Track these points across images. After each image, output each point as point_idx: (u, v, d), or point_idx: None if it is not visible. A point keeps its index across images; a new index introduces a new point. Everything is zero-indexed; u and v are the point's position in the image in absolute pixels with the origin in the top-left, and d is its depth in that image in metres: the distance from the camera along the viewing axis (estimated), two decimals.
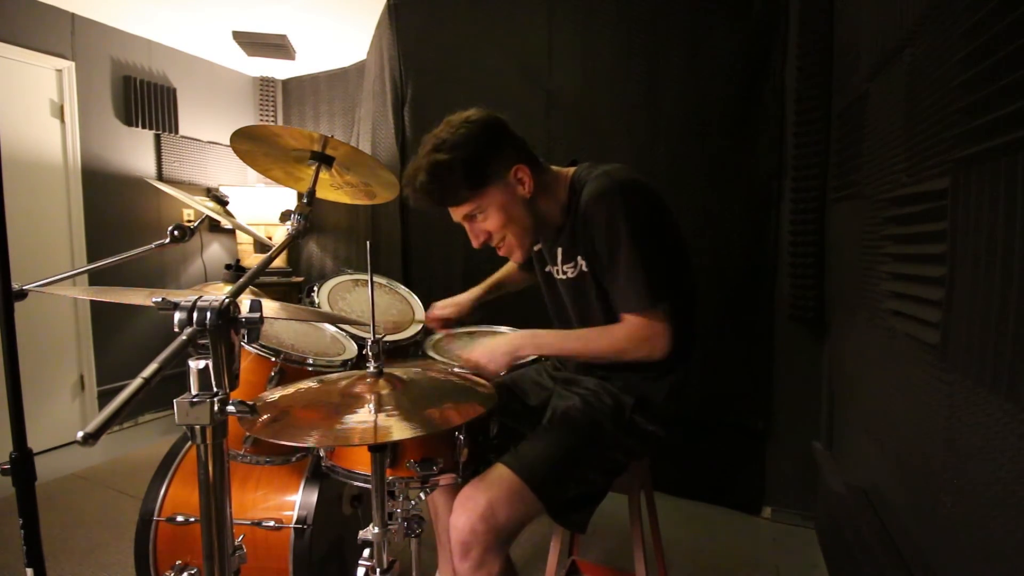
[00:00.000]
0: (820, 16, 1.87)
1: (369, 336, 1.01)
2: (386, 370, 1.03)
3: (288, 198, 3.45)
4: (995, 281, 0.73)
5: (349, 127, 3.69)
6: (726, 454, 2.24)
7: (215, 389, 0.64)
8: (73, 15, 2.87)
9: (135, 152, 3.20)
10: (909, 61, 1.08)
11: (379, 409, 0.90)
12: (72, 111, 2.87)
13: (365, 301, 1.80)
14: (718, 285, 2.16)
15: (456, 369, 1.30)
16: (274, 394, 1.01)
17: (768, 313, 2.11)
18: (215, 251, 3.64)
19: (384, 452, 0.96)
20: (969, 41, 0.80)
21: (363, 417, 0.88)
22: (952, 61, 0.86)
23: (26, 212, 2.71)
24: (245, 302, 0.68)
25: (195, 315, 0.63)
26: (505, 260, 1.44)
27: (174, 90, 3.35)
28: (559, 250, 1.24)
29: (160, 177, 3.30)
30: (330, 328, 1.65)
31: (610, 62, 2.33)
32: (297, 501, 1.37)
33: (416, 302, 1.92)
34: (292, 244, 0.95)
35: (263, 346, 1.31)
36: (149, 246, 1.26)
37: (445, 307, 1.56)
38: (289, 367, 1.34)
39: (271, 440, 0.85)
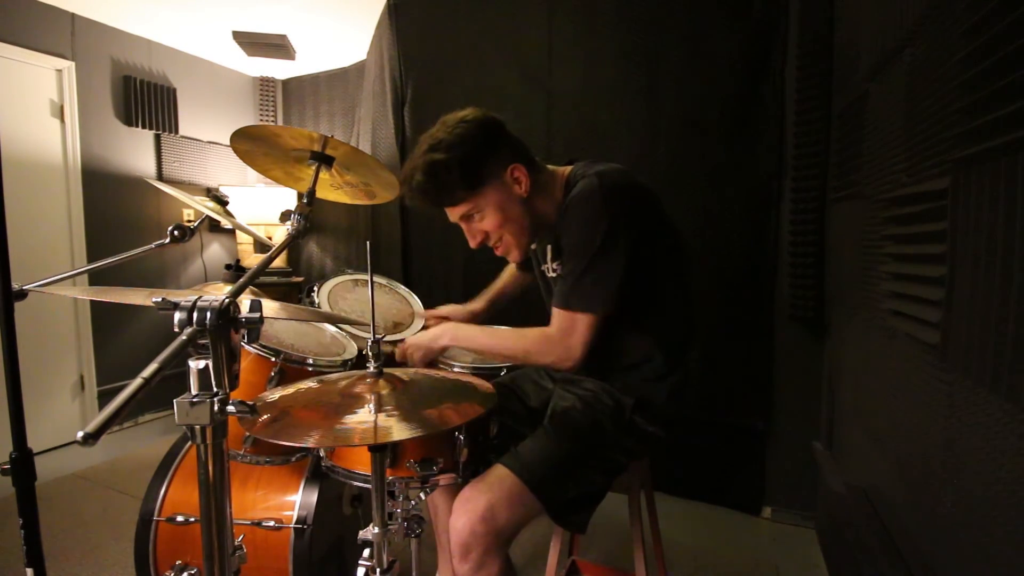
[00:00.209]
0: (820, 16, 1.87)
1: (369, 336, 1.01)
2: (386, 370, 1.03)
3: (288, 198, 3.45)
4: (995, 281, 0.73)
5: (349, 127, 3.69)
6: (726, 454, 2.24)
7: (215, 389, 0.64)
8: (73, 15, 2.87)
9: (135, 152, 3.20)
10: (909, 61, 1.08)
11: (379, 409, 0.90)
12: (72, 111, 2.87)
13: (365, 301, 1.80)
14: (718, 285, 2.16)
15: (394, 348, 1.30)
16: (274, 394, 1.01)
17: (768, 313, 2.11)
18: (215, 251, 3.64)
19: (384, 452, 0.96)
20: (969, 41, 0.80)
21: (363, 417, 0.88)
22: (952, 61, 0.86)
23: (26, 212, 2.71)
24: (245, 302, 0.68)
25: (195, 315, 0.63)
26: (505, 261, 1.44)
27: (174, 90, 3.35)
28: (549, 248, 1.24)
29: (160, 177, 3.30)
30: (330, 328, 1.65)
31: (610, 62, 2.33)
32: (297, 501, 1.37)
33: (416, 302, 1.92)
34: (292, 244, 0.95)
35: (263, 346, 1.31)
36: (149, 246, 1.26)
37: (442, 311, 1.55)
38: (289, 367, 1.34)
39: (271, 440, 0.85)
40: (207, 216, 1.37)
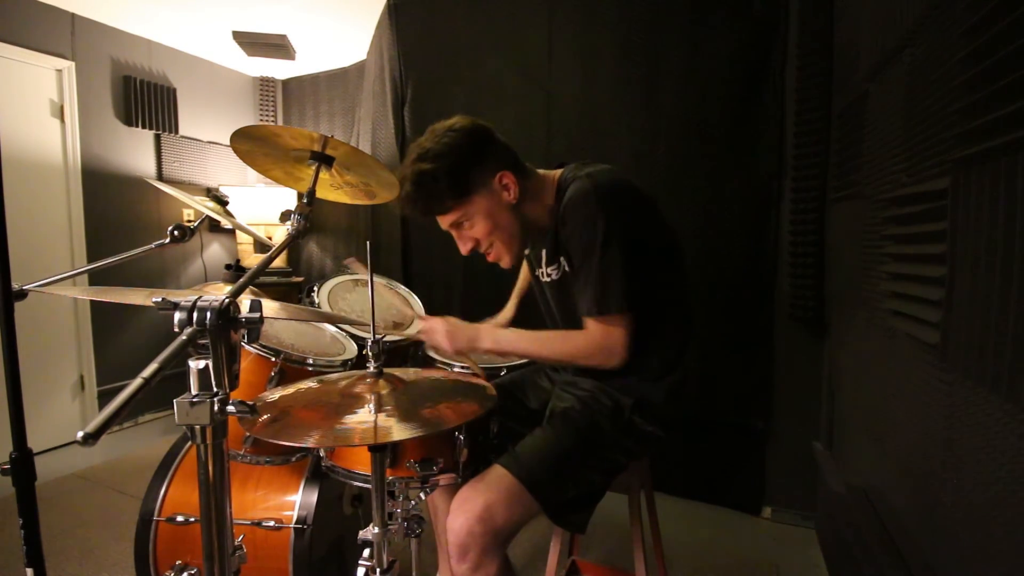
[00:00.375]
0: (820, 16, 1.87)
1: (369, 336, 1.01)
2: (386, 370, 1.03)
3: (288, 198, 3.45)
4: (995, 281, 0.73)
5: (349, 127, 3.69)
6: (726, 454, 2.24)
7: (215, 389, 0.64)
8: (73, 15, 2.87)
9: (135, 152, 3.20)
10: (909, 61, 1.08)
11: (379, 409, 0.90)
12: (72, 111, 2.87)
13: (365, 301, 1.80)
14: (718, 285, 2.16)
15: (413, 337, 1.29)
16: (274, 394, 1.01)
17: (768, 313, 2.11)
18: (215, 251, 3.64)
19: (384, 452, 0.96)
20: (969, 41, 0.80)
21: (363, 417, 0.88)
22: (952, 61, 0.86)
23: (26, 212, 2.71)
24: (245, 302, 0.68)
25: (195, 315, 0.63)
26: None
27: (174, 90, 3.35)
28: (544, 252, 1.25)
29: (160, 177, 3.30)
30: (330, 328, 1.65)
31: (610, 62, 2.33)
32: (297, 501, 1.37)
33: (416, 302, 1.92)
34: (292, 244, 0.95)
35: (263, 346, 1.32)
36: (149, 246, 1.26)
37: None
38: (289, 367, 1.34)
39: (271, 440, 0.85)
40: (207, 216, 1.37)
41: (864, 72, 1.42)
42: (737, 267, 2.15)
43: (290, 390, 1.03)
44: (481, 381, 1.14)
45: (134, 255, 1.24)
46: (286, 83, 3.99)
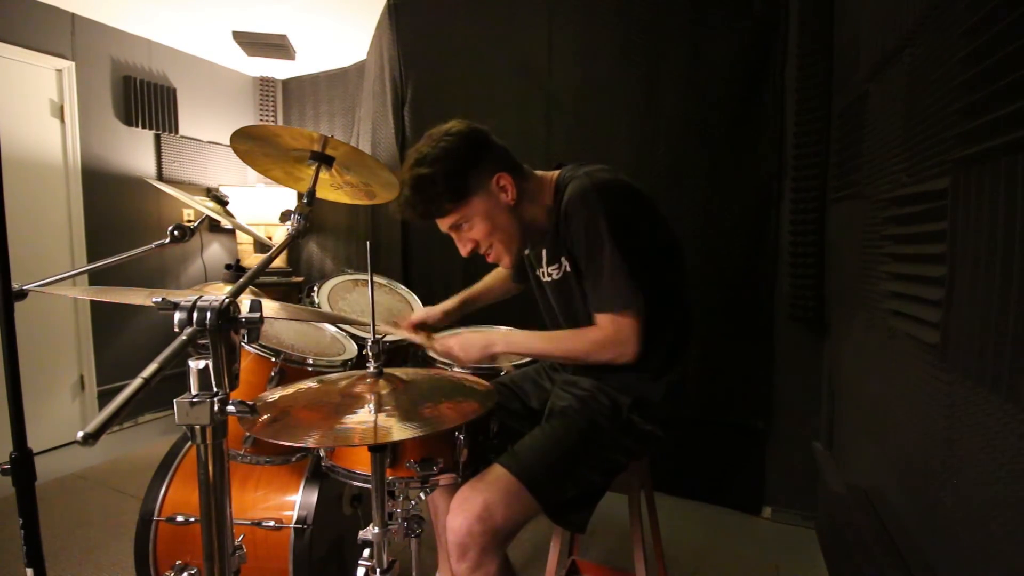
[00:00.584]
0: (820, 16, 1.87)
1: (369, 336, 1.01)
2: (386, 370, 1.03)
3: (288, 198, 3.45)
4: (995, 281, 0.73)
5: (349, 127, 3.69)
6: (726, 454, 2.24)
7: (215, 389, 0.64)
8: (73, 15, 2.87)
9: (135, 152, 3.20)
10: (909, 61, 1.08)
11: (379, 409, 0.90)
12: (72, 111, 2.87)
13: (365, 301, 1.80)
14: (718, 285, 2.16)
15: (436, 357, 1.30)
16: (274, 394, 1.01)
17: (768, 313, 2.11)
18: (215, 251, 3.64)
19: (384, 452, 0.96)
20: (969, 41, 0.80)
21: (363, 417, 0.88)
22: (952, 61, 0.86)
23: (26, 212, 2.71)
24: (245, 302, 0.68)
25: (195, 315, 0.63)
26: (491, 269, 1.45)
27: (174, 90, 3.35)
28: (544, 252, 1.25)
29: (160, 177, 3.30)
30: (330, 328, 1.65)
31: (610, 62, 2.33)
32: (297, 501, 1.37)
33: (416, 302, 1.92)
34: (292, 244, 0.96)
35: (263, 346, 1.32)
36: (149, 246, 1.26)
37: (418, 315, 1.54)
38: (289, 367, 1.34)
39: (271, 440, 0.85)
40: (207, 216, 1.37)
41: (864, 72, 1.42)
42: (737, 267, 2.15)
43: (290, 390, 1.03)
44: (481, 381, 1.14)
45: (134, 255, 1.25)
46: (286, 83, 3.99)
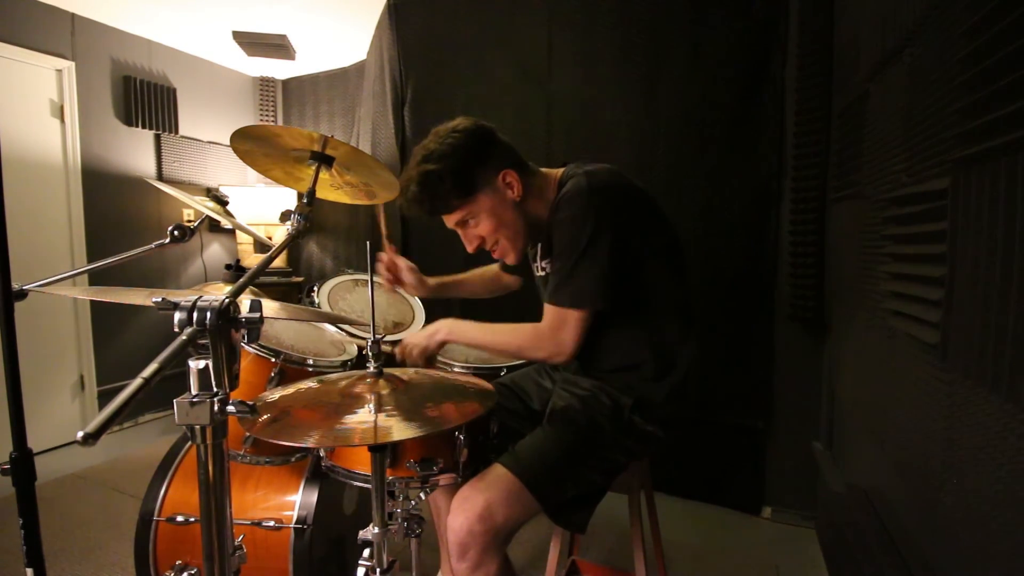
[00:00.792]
0: (820, 16, 1.87)
1: (369, 336, 1.01)
2: (386, 370, 1.03)
3: (288, 198, 3.45)
4: (995, 281, 0.73)
5: (349, 127, 3.69)
6: (726, 454, 2.24)
7: (215, 389, 0.64)
8: (73, 15, 2.87)
9: (135, 152, 3.20)
10: (909, 61, 1.08)
11: (379, 409, 0.90)
12: (72, 111, 2.87)
13: (365, 301, 1.81)
14: (718, 285, 2.16)
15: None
16: (274, 394, 1.01)
17: (768, 313, 2.11)
18: (215, 251, 3.64)
19: (384, 452, 0.96)
20: (969, 41, 0.80)
21: (363, 417, 0.88)
22: (952, 61, 0.86)
23: (26, 212, 2.71)
24: (245, 302, 0.68)
25: (195, 315, 0.63)
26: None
27: (174, 90, 3.35)
28: (539, 247, 1.27)
29: (160, 177, 3.30)
30: (330, 328, 1.65)
31: (610, 62, 2.33)
32: (297, 501, 1.37)
33: (416, 302, 1.92)
34: (292, 244, 0.95)
35: (263, 346, 1.32)
36: (149, 246, 1.26)
37: (411, 269, 1.51)
38: (289, 367, 1.34)
39: (271, 440, 0.85)
40: (207, 216, 1.37)
41: (864, 72, 1.42)
42: (737, 267, 2.15)
43: (290, 390, 1.03)
44: (481, 381, 1.14)
45: (134, 255, 1.25)
46: (286, 83, 3.99)
